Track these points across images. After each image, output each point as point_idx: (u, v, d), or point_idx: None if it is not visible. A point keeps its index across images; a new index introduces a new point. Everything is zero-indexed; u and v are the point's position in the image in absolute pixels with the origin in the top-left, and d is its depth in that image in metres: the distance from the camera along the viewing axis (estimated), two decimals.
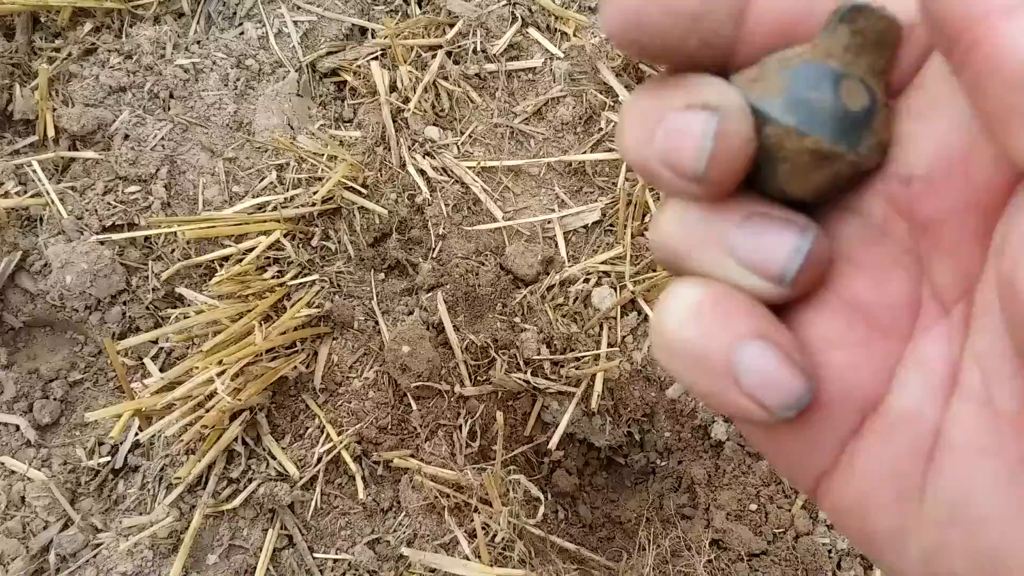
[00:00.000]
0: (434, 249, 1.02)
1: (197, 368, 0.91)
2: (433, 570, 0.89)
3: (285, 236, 1.01)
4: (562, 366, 0.96)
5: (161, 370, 0.98)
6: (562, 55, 1.12)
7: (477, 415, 0.96)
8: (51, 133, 1.05)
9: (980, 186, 0.22)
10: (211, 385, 0.90)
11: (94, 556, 0.92)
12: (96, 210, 1.01)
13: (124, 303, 1.01)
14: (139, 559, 0.91)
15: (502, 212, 1.04)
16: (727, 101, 0.23)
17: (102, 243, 0.99)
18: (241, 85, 1.10)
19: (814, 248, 0.24)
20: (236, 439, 0.94)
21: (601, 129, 1.08)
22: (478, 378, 0.97)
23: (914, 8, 0.24)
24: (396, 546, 0.92)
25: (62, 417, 1.00)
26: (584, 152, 1.07)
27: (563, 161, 1.07)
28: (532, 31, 1.13)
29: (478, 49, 1.11)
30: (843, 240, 0.25)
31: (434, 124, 1.09)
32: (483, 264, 1.01)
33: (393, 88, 1.09)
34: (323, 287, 1.00)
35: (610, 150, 1.07)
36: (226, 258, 1.00)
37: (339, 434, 0.95)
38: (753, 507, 0.94)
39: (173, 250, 1.01)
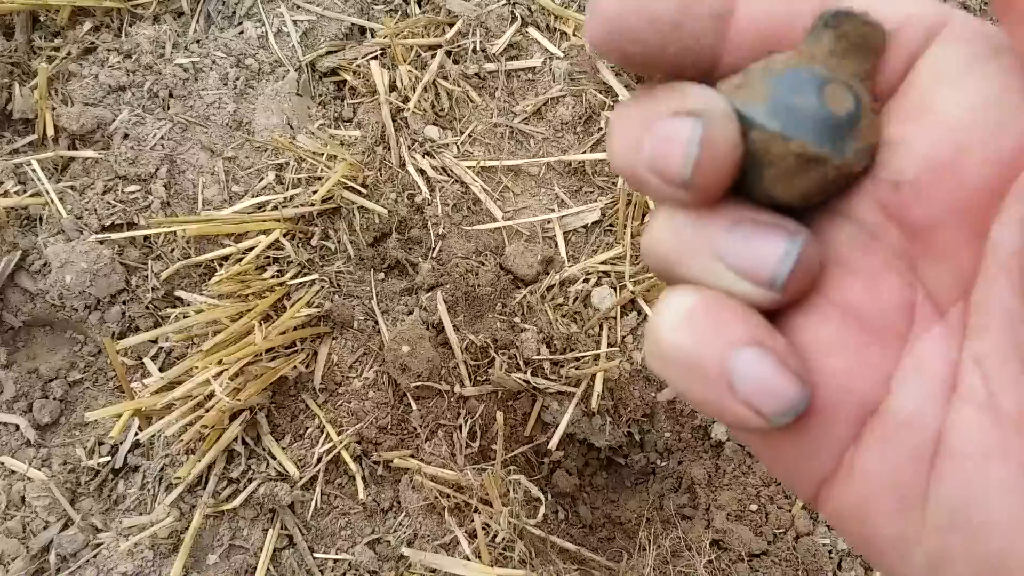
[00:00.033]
0: (434, 249, 1.02)
1: (197, 368, 0.91)
2: (433, 570, 0.89)
3: (285, 236, 1.00)
4: (562, 366, 0.96)
5: (161, 370, 0.98)
6: (562, 55, 1.11)
7: (477, 415, 0.96)
8: (50, 132, 1.05)
9: (971, 189, 0.22)
10: (211, 385, 0.90)
11: (94, 556, 0.92)
12: (95, 209, 1.01)
13: (124, 302, 1.01)
14: (139, 559, 0.91)
15: (502, 212, 1.04)
16: (712, 107, 0.23)
17: (102, 242, 0.99)
18: (240, 84, 1.10)
19: (804, 252, 0.24)
20: (236, 439, 0.94)
21: (601, 129, 1.08)
22: (478, 378, 0.97)
23: (899, 13, 0.24)
24: (396, 546, 0.92)
25: (62, 417, 1.00)
26: (584, 152, 1.07)
27: (563, 161, 1.07)
28: (532, 31, 1.13)
29: (478, 49, 1.11)
30: (835, 245, 0.25)
31: (434, 124, 1.08)
32: (483, 264, 1.01)
33: (393, 87, 1.09)
34: (323, 287, 1.00)
35: None
36: (226, 258, 1.00)
37: (339, 434, 0.95)
38: (753, 507, 0.94)
39: (173, 249, 1.01)
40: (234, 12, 1.15)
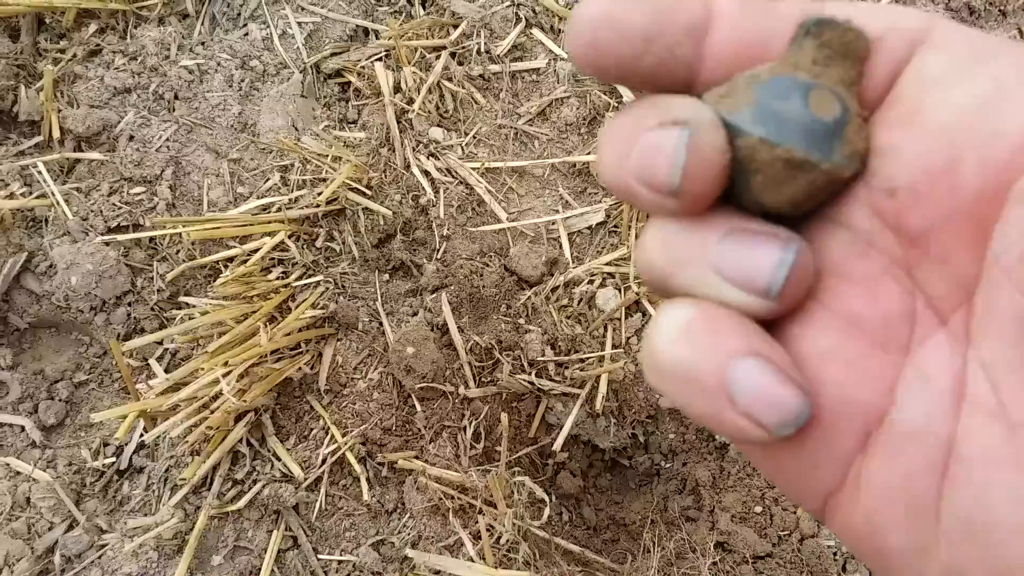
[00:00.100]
0: (438, 250, 1.02)
1: (202, 369, 0.91)
2: (438, 572, 0.89)
3: (290, 237, 1.01)
4: (566, 367, 0.96)
5: (166, 371, 0.98)
6: (566, 56, 1.11)
7: (481, 416, 0.96)
8: (56, 134, 1.05)
9: (967, 194, 0.22)
10: (216, 386, 0.90)
11: (99, 557, 0.92)
12: (101, 211, 1.01)
13: (129, 304, 1.01)
14: (144, 560, 0.91)
15: (506, 213, 1.04)
16: (698, 115, 0.24)
17: (107, 244, 0.99)
18: (246, 86, 1.10)
19: (798, 260, 0.24)
20: (241, 440, 0.94)
21: None
22: (482, 379, 0.97)
23: (882, 22, 0.24)
24: (400, 548, 0.92)
25: (67, 418, 1.00)
26: (588, 153, 1.07)
27: (567, 162, 1.07)
28: (536, 32, 1.13)
29: (482, 50, 1.11)
30: (830, 253, 0.25)
31: (438, 125, 1.09)
32: (487, 265, 1.01)
33: (397, 89, 1.09)
34: (327, 288, 1.00)
35: None
36: (231, 259, 1.00)
37: (344, 435, 0.95)
38: (758, 509, 0.94)
39: (178, 251, 1.01)
40: (239, 14, 1.16)
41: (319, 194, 1.01)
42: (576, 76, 1.10)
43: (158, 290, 1.01)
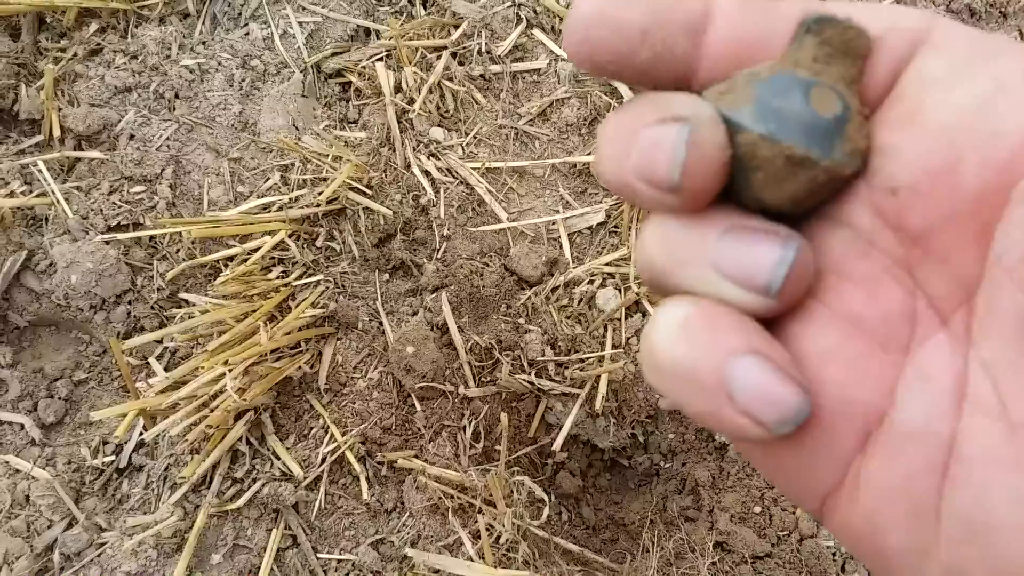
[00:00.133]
0: (438, 250, 1.02)
1: (202, 368, 0.91)
2: (437, 571, 0.89)
3: (290, 236, 1.01)
4: (566, 367, 0.96)
5: (166, 370, 0.98)
6: (566, 56, 1.12)
7: (481, 416, 0.96)
8: (57, 133, 1.05)
9: (969, 193, 0.22)
10: (216, 385, 0.90)
11: (98, 555, 0.92)
12: (101, 210, 1.02)
13: (129, 303, 1.01)
14: (143, 558, 0.91)
15: (506, 213, 1.04)
16: (698, 112, 0.24)
17: (107, 243, 0.99)
18: (246, 86, 1.10)
19: (798, 257, 0.23)
20: (240, 439, 0.94)
21: None
22: (482, 379, 0.97)
23: (882, 22, 0.24)
24: (400, 547, 0.92)
25: (67, 416, 1.00)
26: (589, 153, 1.07)
27: (568, 162, 1.07)
28: (537, 32, 1.13)
29: (483, 50, 1.11)
30: (832, 252, 0.25)
31: (439, 125, 1.09)
32: (487, 265, 1.01)
33: (398, 89, 1.09)
34: (328, 287, 1.00)
35: None
36: (231, 258, 1.00)
37: (343, 434, 0.95)
38: (757, 509, 0.94)
39: (178, 250, 1.01)
40: (240, 13, 1.16)
41: (319, 193, 1.01)
42: (577, 76, 1.10)
43: (158, 289, 1.01)
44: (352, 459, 0.94)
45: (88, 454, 0.97)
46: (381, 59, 1.12)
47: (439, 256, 1.02)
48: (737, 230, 0.24)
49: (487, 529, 0.89)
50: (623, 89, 1.08)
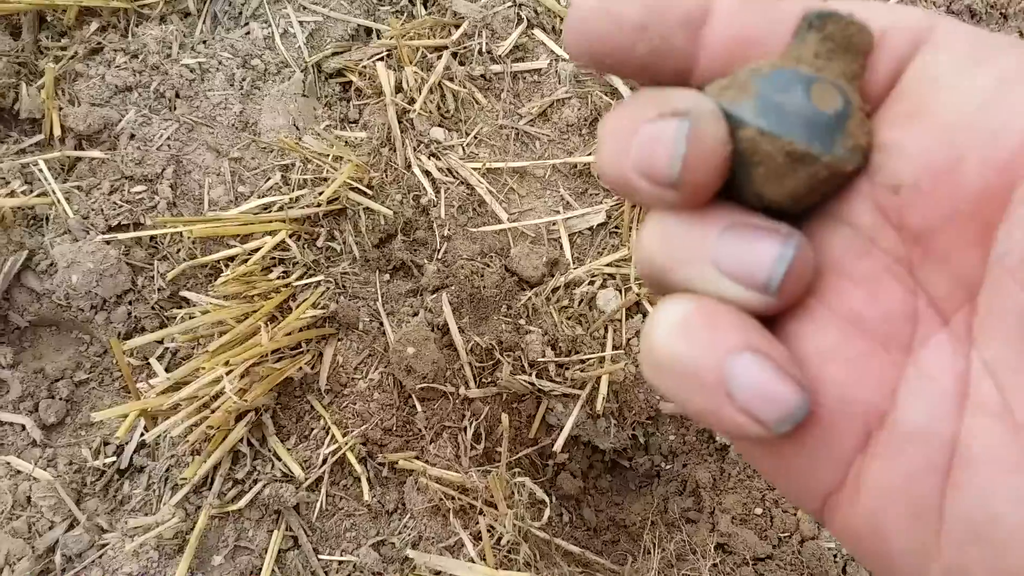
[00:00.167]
0: (439, 250, 1.02)
1: (203, 368, 0.91)
2: (438, 572, 0.89)
3: (290, 237, 1.01)
4: (567, 368, 0.96)
5: (167, 370, 0.98)
6: (566, 51, 1.11)
7: (482, 417, 0.96)
8: (57, 132, 1.05)
9: (971, 192, 0.22)
10: (217, 386, 0.90)
11: (99, 556, 0.92)
12: (102, 210, 1.01)
13: (130, 303, 1.01)
14: (144, 560, 0.91)
15: (507, 214, 1.04)
16: (698, 106, 0.23)
17: (108, 243, 0.99)
18: (247, 85, 1.10)
19: (798, 255, 0.23)
20: (242, 440, 0.94)
21: None
22: (483, 380, 0.97)
23: (883, 20, 0.24)
24: (401, 548, 0.92)
25: (68, 417, 1.00)
26: (589, 154, 1.07)
27: (568, 163, 1.07)
28: (537, 32, 1.13)
29: (483, 50, 1.11)
30: (833, 251, 0.25)
31: (439, 125, 1.08)
32: (488, 266, 1.01)
33: (399, 89, 1.09)
34: (328, 288, 1.00)
35: None
36: (231, 258, 1.00)
37: (344, 435, 0.95)
38: (758, 511, 0.94)
39: (179, 250, 1.01)
40: (240, 13, 1.16)
41: (320, 194, 1.01)
42: (577, 77, 1.10)
43: (158, 289, 1.01)
44: (353, 460, 0.94)
45: (89, 455, 0.97)
46: (382, 59, 1.12)
47: (440, 257, 1.02)
48: (737, 227, 0.24)
49: (488, 530, 0.89)
50: (624, 89, 1.08)
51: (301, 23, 1.14)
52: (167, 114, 1.07)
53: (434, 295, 1.00)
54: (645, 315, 1.01)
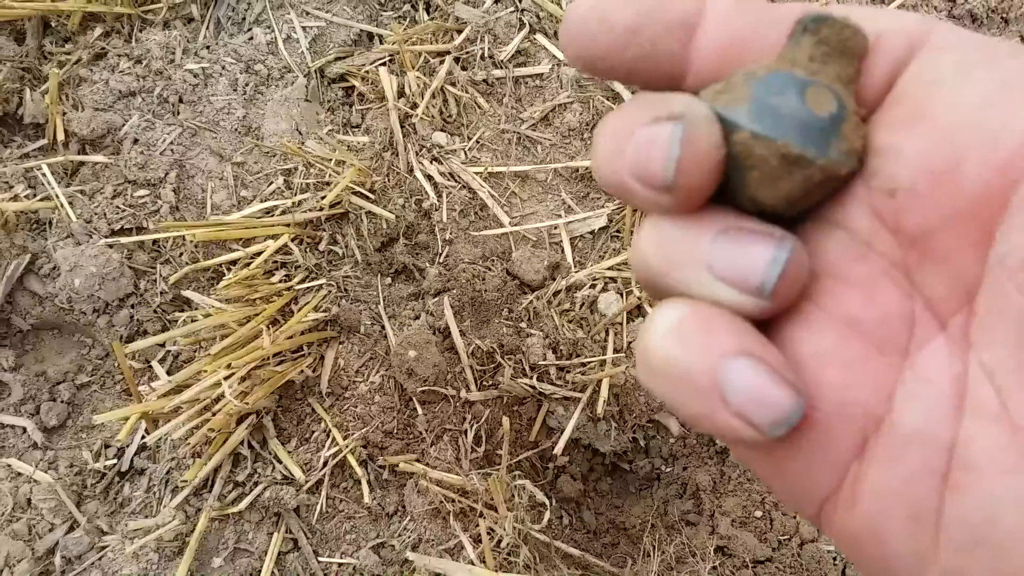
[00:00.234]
0: (441, 254, 1.03)
1: (204, 371, 0.91)
2: (438, 575, 0.89)
3: (293, 240, 1.01)
4: (568, 372, 0.96)
5: (168, 373, 0.99)
6: (563, 55, 1.12)
7: (482, 420, 0.96)
8: (61, 137, 1.06)
9: (969, 194, 0.22)
10: (218, 388, 0.90)
11: (100, 558, 0.92)
12: (105, 214, 1.02)
13: (132, 306, 1.01)
14: (144, 562, 0.91)
15: (509, 218, 1.05)
16: (692, 110, 0.24)
17: (111, 246, 1.00)
18: (250, 90, 1.10)
19: (792, 258, 0.23)
20: (242, 442, 0.95)
21: None
22: (484, 383, 0.97)
23: (881, 21, 0.24)
24: (401, 550, 0.92)
25: (69, 419, 1.00)
26: (591, 158, 1.07)
27: (570, 167, 1.07)
28: (540, 37, 1.13)
29: (486, 55, 1.12)
30: (829, 255, 0.25)
31: (442, 130, 1.09)
32: (489, 269, 1.01)
33: (401, 94, 1.10)
34: (330, 291, 1.00)
35: None
36: (234, 262, 1.00)
37: (345, 438, 0.95)
38: (758, 514, 0.94)
39: (181, 254, 1.02)
40: (244, 18, 1.16)
41: (322, 198, 1.01)
42: (579, 81, 1.10)
43: (161, 292, 1.01)
44: (353, 463, 0.94)
45: (90, 457, 0.97)
46: (384, 64, 1.12)
47: (441, 260, 1.02)
48: (731, 231, 0.24)
49: (488, 533, 0.89)
50: (625, 94, 1.09)
51: (304, 28, 1.15)
52: (170, 119, 1.08)
53: (436, 298, 1.00)
54: (646, 319, 1.01)
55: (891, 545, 0.23)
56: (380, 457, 0.96)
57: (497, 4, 1.15)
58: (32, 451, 0.98)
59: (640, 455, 0.99)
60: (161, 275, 1.01)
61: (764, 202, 0.25)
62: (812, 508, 0.25)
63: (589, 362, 0.97)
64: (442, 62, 1.11)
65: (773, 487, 0.27)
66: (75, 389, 1.01)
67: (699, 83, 0.25)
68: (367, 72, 1.12)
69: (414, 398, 0.97)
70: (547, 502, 0.91)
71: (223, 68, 1.11)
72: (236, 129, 1.08)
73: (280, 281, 0.99)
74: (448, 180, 1.05)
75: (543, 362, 0.96)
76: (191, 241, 0.99)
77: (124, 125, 1.07)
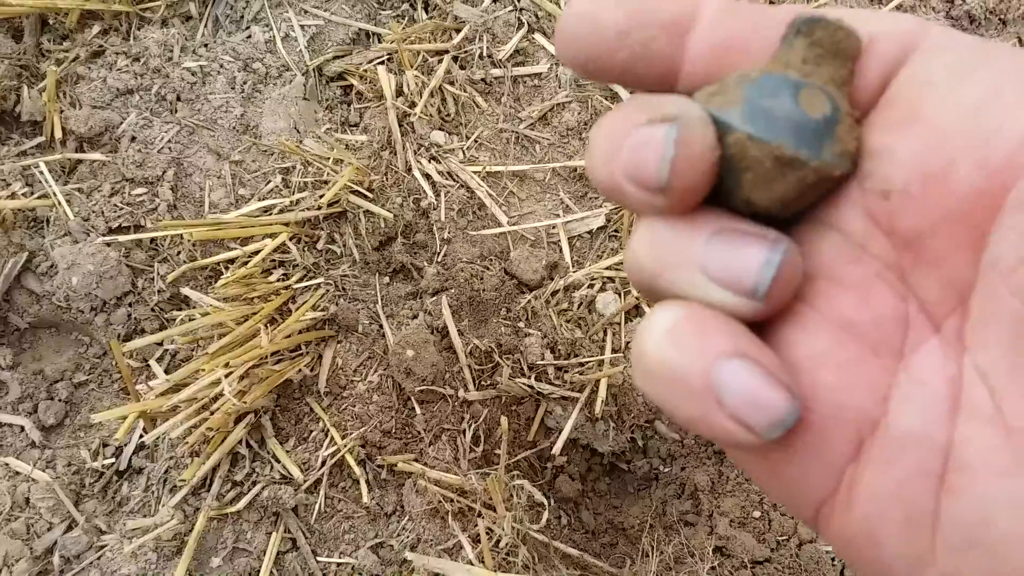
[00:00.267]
0: (439, 253, 1.02)
1: (202, 370, 0.91)
2: (436, 574, 0.89)
3: (291, 239, 1.01)
4: (566, 371, 0.96)
5: (166, 372, 0.98)
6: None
7: (481, 420, 0.96)
8: (58, 135, 1.05)
9: (963, 196, 0.22)
10: (216, 387, 0.90)
11: (98, 558, 0.92)
12: (102, 212, 1.02)
13: (130, 305, 1.01)
14: (143, 561, 0.91)
15: (507, 217, 1.04)
16: (687, 111, 0.24)
17: (108, 245, 1.00)
18: (248, 88, 1.10)
19: (785, 260, 0.23)
20: (240, 442, 0.94)
21: None
22: (482, 383, 0.97)
23: (875, 23, 0.24)
24: (400, 550, 0.92)
25: (67, 418, 1.00)
26: (586, 160, 1.07)
27: (568, 166, 1.07)
28: (538, 37, 1.13)
29: (484, 54, 1.12)
30: (823, 257, 0.25)
31: (440, 129, 1.09)
32: (488, 269, 1.01)
33: (399, 92, 1.09)
34: (328, 290, 1.00)
35: None
36: (232, 261, 1.00)
37: (343, 438, 0.95)
38: (757, 514, 0.94)
39: (179, 252, 1.02)
40: (242, 16, 1.16)
41: (320, 196, 1.01)
42: (578, 81, 1.10)
43: (159, 291, 1.01)
44: (352, 462, 0.94)
45: (88, 456, 0.97)
46: (383, 62, 1.12)
47: (439, 259, 1.02)
48: (725, 233, 0.24)
49: (487, 533, 0.89)
50: (623, 94, 1.09)
51: (302, 27, 1.15)
52: (168, 117, 1.08)
53: (434, 298, 1.00)
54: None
55: (888, 548, 0.23)
56: (378, 457, 0.96)
57: (496, 3, 1.14)
58: (30, 450, 0.97)
59: (638, 455, 0.99)
60: (159, 273, 1.01)
61: (758, 204, 0.25)
62: (809, 511, 0.25)
63: (587, 362, 0.97)
64: (440, 61, 1.11)
65: (769, 491, 0.27)
66: (73, 388, 1.01)
67: (692, 85, 0.25)
68: (365, 71, 1.11)
69: (412, 397, 0.97)
70: (545, 502, 0.91)
71: (221, 66, 1.11)
72: (234, 127, 1.08)
73: (278, 280, 0.99)
74: (446, 179, 1.05)
75: (541, 362, 0.96)
76: (189, 240, 0.99)
77: (122, 123, 1.07)
